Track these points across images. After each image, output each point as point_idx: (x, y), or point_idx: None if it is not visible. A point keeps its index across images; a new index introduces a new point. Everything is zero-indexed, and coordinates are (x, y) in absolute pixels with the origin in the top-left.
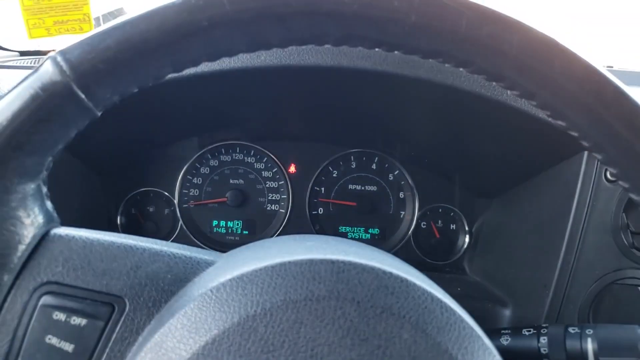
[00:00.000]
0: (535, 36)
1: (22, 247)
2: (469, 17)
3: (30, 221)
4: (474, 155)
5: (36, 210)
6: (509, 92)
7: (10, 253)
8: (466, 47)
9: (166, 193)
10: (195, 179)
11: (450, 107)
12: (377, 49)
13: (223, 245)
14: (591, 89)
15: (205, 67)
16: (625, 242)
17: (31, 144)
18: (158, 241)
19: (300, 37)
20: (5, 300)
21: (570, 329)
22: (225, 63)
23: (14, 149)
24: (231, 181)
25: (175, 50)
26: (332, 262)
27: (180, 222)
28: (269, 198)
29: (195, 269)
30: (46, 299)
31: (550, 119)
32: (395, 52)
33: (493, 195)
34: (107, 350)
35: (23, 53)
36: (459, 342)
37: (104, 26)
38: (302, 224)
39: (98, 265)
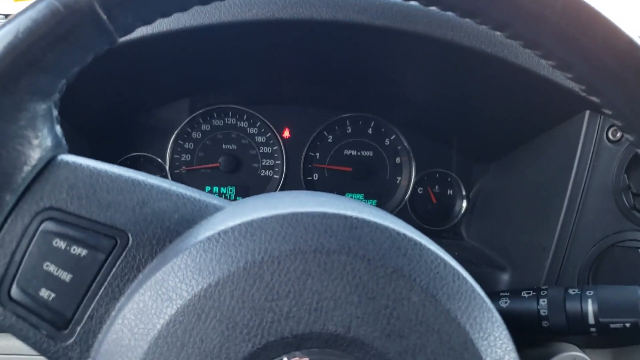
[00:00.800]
0: (580, 5)
1: (27, 169)
2: None
3: (38, 142)
4: (472, 118)
5: (45, 132)
6: (544, 61)
7: (14, 173)
8: (505, 8)
9: (157, 158)
10: (187, 143)
11: (449, 65)
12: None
13: None
14: (633, 64)
15: (194, 20)
16: (627, 203)
17: (46, 61)
18: (167, 180)
19: None
20: (5, 221)
21: (570, 291)
22: (215, 16)
23: (28, 64)
24: (224, 146)
25: None
26: (346, 217)
27: None
28: (263, 163)
29: (203, 212)
30: (47, 225)
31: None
32: (432, 7)
33: (491, 159)
34: (106, 283)
35: (8, 16)
36: (468, 311)
37: None
38: (296, 189)
39: (104, 196)
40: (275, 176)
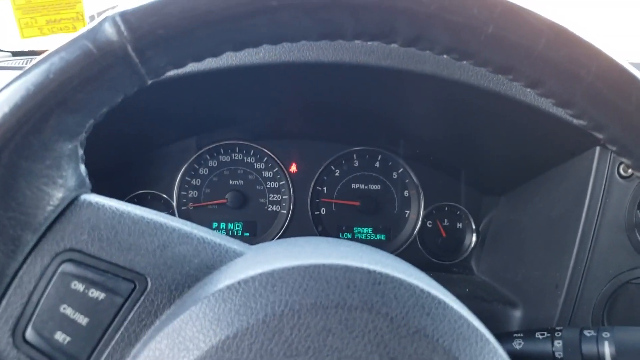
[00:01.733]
0: (615, 66)
1: (49, 208)
2: (549, 36)
3: (62, 182)
4: (481, 152)
5: (70, 172)
6: (575, 121)
7: (37, 212)
8: (540, 67)
9: (164, 195)
10: (194, 180)
11: (457, 103)
12: (444, 55)
13: None
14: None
15: (202, 64)
16: None
17: (76, 102)
18: (189, 223)
19: (370, 32)
20: (24, 261)
21: (586, 332)
22: (222, 60)
23: (58, 104)
24: (231, 182)
25: (239, 27)
26: (369, 272)
27: None
28: (270, 199)
29: (223, 257)
30: (66, 267)
31: (554, 111)
32: (464, 62)
33: (501, 192)
34: (122, 328)
35: (15, 54)
36: None
37: None
38: (304, 224)
39: (125, 238)
40: (282, 211)
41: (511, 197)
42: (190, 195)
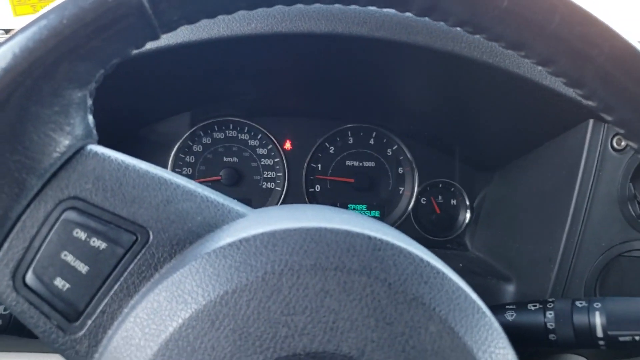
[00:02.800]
0: (628, 47)
1: (56, 155)
2: (563, 13)
3: (70, 130)
4: (474, 127)
5: (77, 120)
6: (584, 101)
7: (42, 158)
8: (553, 45)
9: None
10: (188, 157)
11: (450, 76)
12: (458, 27)
13: None
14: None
15: (193, 35)
16: (633, 213)
17: (88, 49)
18: (193, 182)
19: None
20: (28, 205)
21: (578, 303)
22: (214, 30)
23: (70, 51)
24: (225, 159)
25: None
26: (370, 237)
27: None
28: (265, 176)
29: (226, 216)
30: (69, 214)
31: (547, 83)
32: (477, 35)
33: (494, 168)
34: (122, 279)
35: (8, 32)
36: (485, 346)
37: None
38: (298, 201)
39: (129, 191)
40: (277, 188)
41: (505, 172)
42: (184, 172)
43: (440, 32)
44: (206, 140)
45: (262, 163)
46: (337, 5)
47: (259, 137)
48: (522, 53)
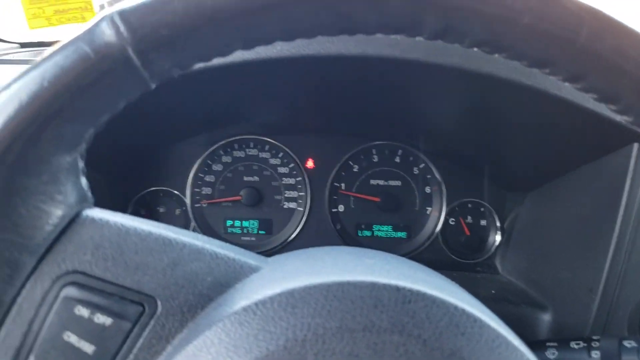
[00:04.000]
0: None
1: (48, 228)
2: (591, 25)
3: (62, 199)
4: (507, 148)
5: (69, 186)
6: (618, 117)
7: (35, 233)
8: (582, 60)
9: (177, 192)
10: (208, 176)
11: (483, 96)
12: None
13: (238, 246)
14: None
15: (217, 60)
16: None
17: (73, 110)
18: (200, 236)
19: (393, 24)
20: (23, 286)
21: (626, 343)
22: (237, 54)
23: (54, 114)
24: (245, 178)
25: (250, 24)
26: (398, 289)
27: (193, 222)
28: (286, 195)
29: (238, 273)
30: (69, 291)
31: (590, 106)
32: (496, 55)
33: (527, 189)
34: (131, 356)
35: (24, 45)
36: None
37: None
38: (321, 222)
39: (132, 257)
40: (299, 208)
41: (538, 194)
42: (203, 192)
43: (475, 53)
44: (226, 159)
45: (284, 182)
46: None
47: (280, 156)
48: (547, 70)
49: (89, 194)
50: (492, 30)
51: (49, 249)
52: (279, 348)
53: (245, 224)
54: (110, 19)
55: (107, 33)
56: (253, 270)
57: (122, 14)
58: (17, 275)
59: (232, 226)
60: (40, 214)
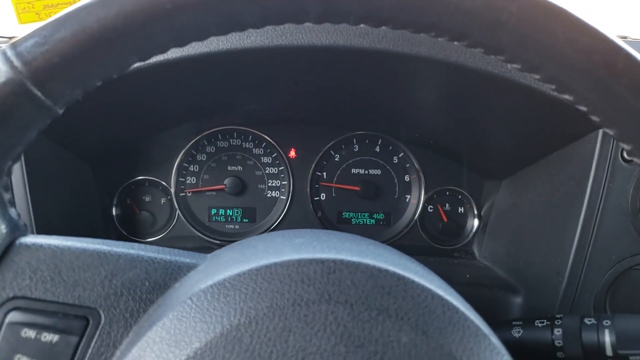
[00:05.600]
0: (536, 3)
1: None
2: (565, 29)
3: None
4: (482, 136)
5: None
6: (509, 65)
7: None
8: (459, 18)
9: (162, 181)
10: (192, 166)
11: (456, 86)
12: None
13: (223, 234)
14: (600, 58)
15: (193, 49)
16: None
17: None
18: (136, 245)
19: (277, 15)
20: None
21: (587, 320)
22: (214, 44)
23: None
24: (229, 168)
25: (139, 38)
26: (322, 261)
27: (178, 211)
28: (269, 184)
29: (175, 274)
30: (13, 316)
31: (555, 93)
32: (382, 27)
33: (502, 176)
34: None
35: (11, 39)
36: (463, 343)
37: (58, 14)
38: (303, 210)
39: (69, 275)
40: (282, 197)
41: (513, 181)
42: (188, 182)
43: (443, 43)
44: (210, 149)
45: (267, 171)
46: None
47: (263, 146)
48: (432, 33)
49: (21, 222)
50: (371, 6)
51: None
52: (216, 336)
53: (229, 212)
54: (4, 54)
55: (3, 70)
56: (190, 268)
57: (14, 47)
58: None
59: (217, 214)
60: None
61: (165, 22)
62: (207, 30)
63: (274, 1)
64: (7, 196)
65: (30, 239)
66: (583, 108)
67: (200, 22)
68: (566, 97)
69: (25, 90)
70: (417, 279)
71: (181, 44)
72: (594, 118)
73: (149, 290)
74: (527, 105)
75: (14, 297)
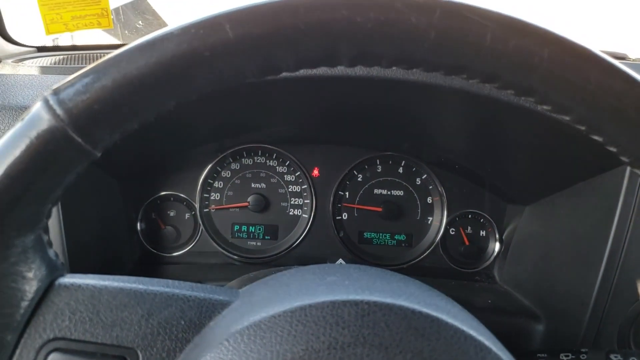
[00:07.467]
0: (568, 47)
1: (24, 304)
2: (494, 29)
3: (33, 274)
4: (507, 163)
5: (38, 262)
6: (539, 107)
7: (13, 312)
8: (491, 62)
9: (187, 197)
10: (216, 182)
11: (484, 114)
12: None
13: (245, 250)
14: (631, 103)
15: None
16: None
17: (28, 195)
18: (170, 282)
19: (311, 61)
20: None
21: (612, 356)
22: None
23: (11, 202)
24: (253, 185)
25: (177, 84)
26: (356, 303)
27: (201, 227)
28: (292, 202)
29: (210, 311)
30: (54, 357)
31: (585, 134)
32: (415, 69)
33: (526, 202)
34: None
35: (40, 49)
36: None
37: (99, 61)
38: (325, 229)
39: (107, 315)
40: (304, 215)
41: (537, 207)
42: (212, 198)
43: None
44: (235, 166)
45: (290, 190)
46: None
47: (287, 164)
48: (464, 76)
49: (59, 262)
50: (404, 50)
51: (28, 322)
52: None
53: (251, 229)
54: (46, 102)
55: (45, 117)
56: (224, 305)
57: (56, 95)
58: (2, 353)
59: (239, 231)
60: (15, 292)
61: (203, 69)
62: (243, 75)
63: (308, 47)
64: (46, 237)
65: (68, 280)
66: (613, 149)
67: (236, 69)
68: (596, 138)
69: (66, 136)
70: (449, 320)
71: (218, 88)
72: (624, 159)
73: (184, 329)
74: (554, 136)
75: (55, 339)
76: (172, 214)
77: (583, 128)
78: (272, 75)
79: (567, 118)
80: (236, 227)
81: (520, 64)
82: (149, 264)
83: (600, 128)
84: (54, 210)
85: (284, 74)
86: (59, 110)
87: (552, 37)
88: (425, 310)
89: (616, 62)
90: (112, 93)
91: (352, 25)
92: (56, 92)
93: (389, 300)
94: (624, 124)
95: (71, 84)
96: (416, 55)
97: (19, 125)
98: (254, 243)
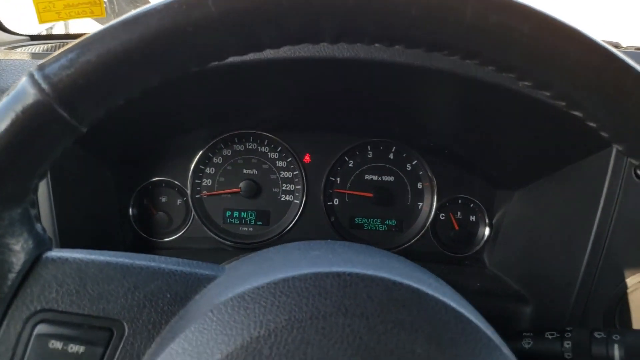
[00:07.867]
0: (548, 23)
1: (12, 275)
2: (474, 5)
3: (20, 247)
4: (495, 147)
5: (25, 235)
6: (520, 83)
7: (0, 283)
8: (472, 38)
9: (178, 183)
10: (208, 168)
11: (473, 99)
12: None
13: (236, 236)
14: (609, 77)
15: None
16: None
17: (14, 169)
18: (156, 257)
19: (294, 37)
20: None
21: (596, 334)
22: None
23: None
24: (244, 171)
25: (161, 59)
26: (339, 275)
27: (193, 212)
28: (283, 188)
29: (195, 285)
30: (41, 328)
31: (565, 109)
32: (396, 46)
33: (515, 187)
34: None
35: (34, 37)
36: (475, 354)
37: (85, 36)
38: (317, 214)
39: (94, 288)
40: (295, 201)
41: (525, 192)
42: (204, 184)
43: None
44: (226, 152)
45: (281, 175)
46: None
47: (278, 150)
48: (445, 52)
49: (46, 237)
50: (385, 26)
51: (15, 294)
52: (236, 348)
53: (243, 215)
54: (32, 77)
55: (31, 92)
56: (210, 280)
57: (42, 70)
58: None
59: (231, 217)
60: (2, 264)
61: (187, 45)
62: (226, 51)
63: (291, 23)
64: (33, 212)
65: (56, 253)
66: (593, 124)
67: (219, 44)
68: (576, 113)
69: (52, 111)
70: (430, 291)
71: (202, 64)
72: (604, 134)
73: (170, 302)
74: (542, 120)
75: (42, 310)
76: (164, 199)
77: (563, 104)
78: (255, 51)
79: (547, 94)
80: (228, 213)
81: (500, 39)
82: (141, 249)
83: (580, 103)
84: (45, 192)
85: (272, 56)
86: (44, 85)
87: (532, 12)
88: (406, 281)
89: (595, 38)
90: (97, 68)
91: (334, 1)
92: (41, 68)
93: (371, 272)
94: (602, 99)
95: (56, 59)
96: (397, 32)
97: (4, 100)
98: (246, 229)
